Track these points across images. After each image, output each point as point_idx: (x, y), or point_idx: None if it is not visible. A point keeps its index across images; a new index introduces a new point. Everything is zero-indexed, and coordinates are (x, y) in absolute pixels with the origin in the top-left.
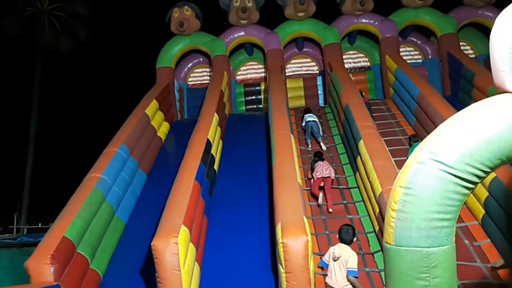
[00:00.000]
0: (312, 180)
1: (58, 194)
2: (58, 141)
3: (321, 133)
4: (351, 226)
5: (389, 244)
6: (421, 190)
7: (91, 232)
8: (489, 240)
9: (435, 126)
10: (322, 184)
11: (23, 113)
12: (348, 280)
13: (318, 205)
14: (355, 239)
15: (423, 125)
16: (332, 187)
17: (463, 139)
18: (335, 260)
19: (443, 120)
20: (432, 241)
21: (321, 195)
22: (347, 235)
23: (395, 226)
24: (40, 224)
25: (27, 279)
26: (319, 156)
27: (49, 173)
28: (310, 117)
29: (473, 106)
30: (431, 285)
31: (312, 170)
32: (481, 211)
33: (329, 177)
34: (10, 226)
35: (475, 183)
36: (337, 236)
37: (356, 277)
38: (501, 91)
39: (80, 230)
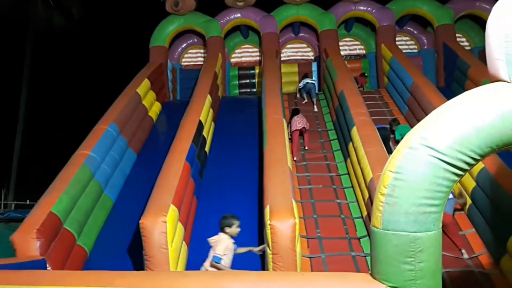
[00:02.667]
0: (290, 134)
1: (46, 171)
2: (48, 119)
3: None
4: (231, 215)
5: (377, 228)
6: (411, 175)
7: (78, 209)
8: (474, 229)
9: None
10: (297, 139)
11: (13, 91)
12: (212, 265)
13: (295, 161)
14: (228, 227)
15: (415, 115)
16: (322, 175)
17: (455, 126)
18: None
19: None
20: (420, 226)
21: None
22: (220, 224)
23: (383, 210)
24: (28, 201)
25: (13, 253)
26: (294, 112)
27: (38, 151)
28: (309, 80)
29: (466, 94)
30: (416, 269)
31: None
32: (468, 201)
33: (303, 127)
34: None
35: (464, 170)
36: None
37: (218, 263)
38: (495, 79)
39: (67, 206)
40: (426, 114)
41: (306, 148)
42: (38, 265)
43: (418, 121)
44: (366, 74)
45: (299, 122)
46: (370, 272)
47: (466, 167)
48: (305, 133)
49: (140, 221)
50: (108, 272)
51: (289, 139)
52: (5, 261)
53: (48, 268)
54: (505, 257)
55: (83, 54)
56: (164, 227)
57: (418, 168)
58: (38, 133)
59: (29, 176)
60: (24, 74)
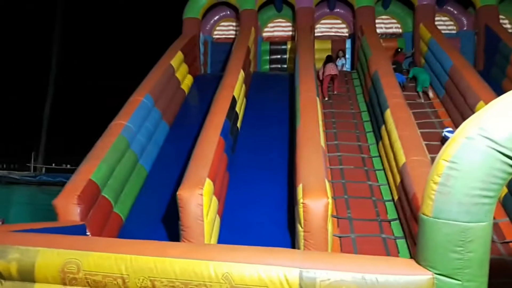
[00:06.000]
0: (322, 80)
1: (74, 137)
2: (78, 87)
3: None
4: None
5: (427, 216)
6: (466, 165)
7: (115, 177)
8: (507, 219)
9: (465, 101)
10: (328, 83)
11: (44, 53)
12: None
13: (324, 100)
14: None
15: (452, 99)
16: (353, 155)
17: None
18: None
19: (475, 95)
20: (472, 216)
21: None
22: None
23: (435, 198)
24: (53, 164)
25: (46, 217)
26: (328, 58)
27: (67, 117)
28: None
29: None
30: (464, 258)
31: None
32: (504, 190)
33: (335, 74)
34: (27, 164)
35: None
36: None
37: None
38: None
39: (105, 174)
40: (465, 99)
41: (336, 92)
42: (78, 230)
43: (456, 105)
44: (400, 50)
45: (332, 69)
46: (414, 258)
47: None
48: (335, 79)
49: (177, 193)
50: (160, 242)
51: (320, 81)
52: (49, 225)
53: (87, 234)
54: None
55: (116, 22)
56: (201, 199)
57: (475, 159)
58: (68, 98)
59: (57, 140)
60: (55, 36)
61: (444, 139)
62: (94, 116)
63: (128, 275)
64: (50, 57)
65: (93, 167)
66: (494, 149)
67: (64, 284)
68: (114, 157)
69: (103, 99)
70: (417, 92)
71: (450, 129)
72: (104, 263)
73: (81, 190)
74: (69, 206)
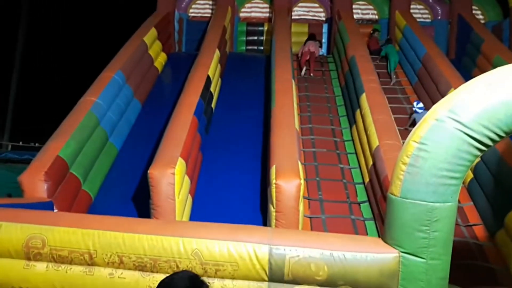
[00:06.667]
0: (301, 55)
1: (42, 115)
2: (47, 62)
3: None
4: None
5: (395, 195)
6: (435, 146)
7: (84, 155)
8: (471, 203)
9: (438, 88)
10: (308, 58)
11: (11, 29)
12: None
13: (302, 75)
14: None
15: (424, 86)
16: (326, 138)
17: (483, 101)
18: None
19: (447, 83)
20: (438, 197)
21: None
22: None
23: (403, 179)
24: (21, 142)
25: (11, 193)
26: (310, 36)
27: (34, 94)
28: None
29: (497, 70)
30: (430, 237)
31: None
32: (469, 175)
33: (314, 52)
34: None
35: (488, 146)
36: None
37: None
38: None
39: (73, 151)
40: (437, 86)
41: (312, 75)
42: (45, 207)
43: (428, 93)
44: (376, 31)
45: (312, 46)
46: (381, 237)
47: (490, 143)
48: (312, 61)
49: (148, 171)
50: (131, 218)
51: (299, 57)
52: (14, 201)
53: (55, 211)
54: (501, 231)
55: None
56: (172, 178)
57: (443, 140)
58: (35, 75)
59: (23, 117)
60: (23, 13)
61: (414, 113)
62: (64, 92)
63: (95, 250)
64: (16, 33)
65: (61, 144)
66: (461, 131)
67: (28, 259)
68: (83, 134)
69: (74, 75)
70: (388, 72)
71: (421, 105)
72: (71, 238)
73: (48, 166)
74: (35, 182)
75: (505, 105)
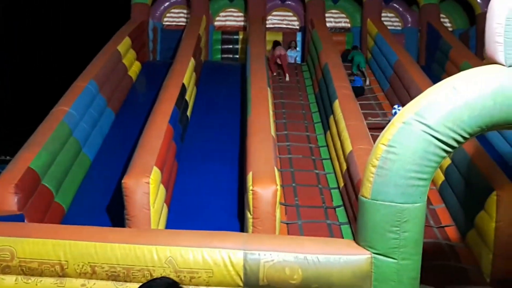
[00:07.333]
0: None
1: (19, 127)
2: (20, 75)
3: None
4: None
5: (365, 198)
6: (402, 149)
7: (56, 166)
8: (443, 205)
9: (409, 94)
10: (279, 62)
11: None
12: None
13: (273, 75)
14: None
15: (396, 92)
16: (302, 145)
17: (448, 104)
18: None
19: (418, 88)
20: (407, 198)
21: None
22: None
23: (373, 181)
24: None
25: None
26: (277, 43)
27: (10, 104)
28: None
29: (461, 74)
30: (400, 238)
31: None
32: (441, 177)
33: (284, 54)
34: None
35: (453, 147)
36: None
37: None
38: (491, 62)
39: (45, 162)
40: (408, 92)
41: (287, 79)
42: (16, 220)
43: (399, 99)
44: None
45: (281, 50)
46: (354, 239)
47: (455, 144)
48: (284, 65)
49: (122, 181)
50: (103, 228)
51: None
52: None
53: None
54: (471, 232)
55: (60, 7)
56: (147, 187)
57: (410, 143)
58: (11, 86)
59: None
60: None
61: (394, 116)
62: (36, 104)
63: (66, 261)
64: None
65: (32, 155)
66: (428, 133)
67: None
68: (55, 144)
69: (47, 86)
70: (352, 72)
71: (401, 107)
72: (41, 249)
73: (19, 178)
74: (5, 195)
75: (468, 108)
